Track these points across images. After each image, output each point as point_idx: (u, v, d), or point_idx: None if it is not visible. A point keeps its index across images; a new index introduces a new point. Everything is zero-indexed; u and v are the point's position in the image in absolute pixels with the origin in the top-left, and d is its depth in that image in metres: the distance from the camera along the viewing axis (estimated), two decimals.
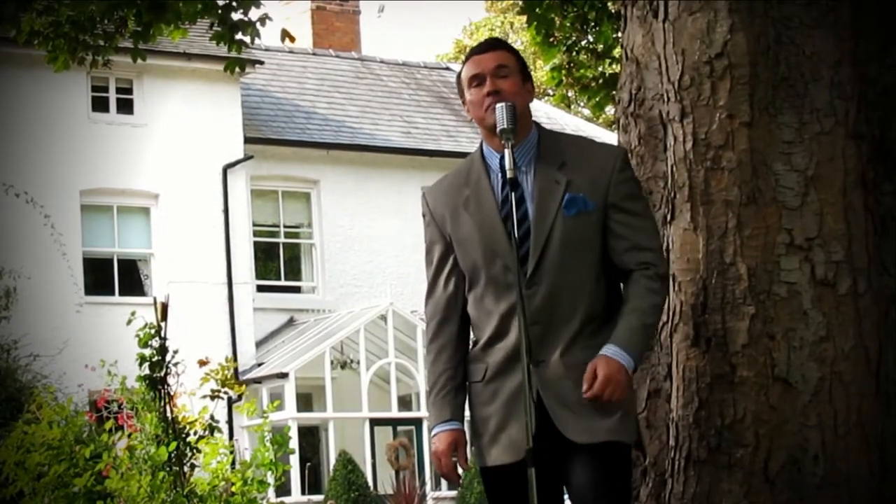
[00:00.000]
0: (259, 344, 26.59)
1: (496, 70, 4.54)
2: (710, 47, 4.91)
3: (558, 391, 4.43)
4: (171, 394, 9.30)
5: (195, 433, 9.28)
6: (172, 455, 9.09)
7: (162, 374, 9.29)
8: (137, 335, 9.34)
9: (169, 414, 9.22)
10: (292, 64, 30.51)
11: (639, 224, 4.55)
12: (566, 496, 4.57)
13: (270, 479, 9.46)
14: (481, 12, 55.11)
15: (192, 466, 9.23)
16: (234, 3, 9.08)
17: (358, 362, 25.95)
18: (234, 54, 9.41)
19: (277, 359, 25.80)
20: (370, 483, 24.53)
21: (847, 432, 4.74)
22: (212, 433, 9.32)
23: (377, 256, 28.18)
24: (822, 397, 4.75)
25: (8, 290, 22.97)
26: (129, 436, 9.52)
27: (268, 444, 9.36)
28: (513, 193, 4.44)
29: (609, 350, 4.41)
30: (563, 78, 11.83)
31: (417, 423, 26.16)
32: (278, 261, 28.10)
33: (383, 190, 28.32)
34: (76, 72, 12.15)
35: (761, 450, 4.74)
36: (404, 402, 26.56)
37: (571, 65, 11.67)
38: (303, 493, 24.33)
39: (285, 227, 28.20)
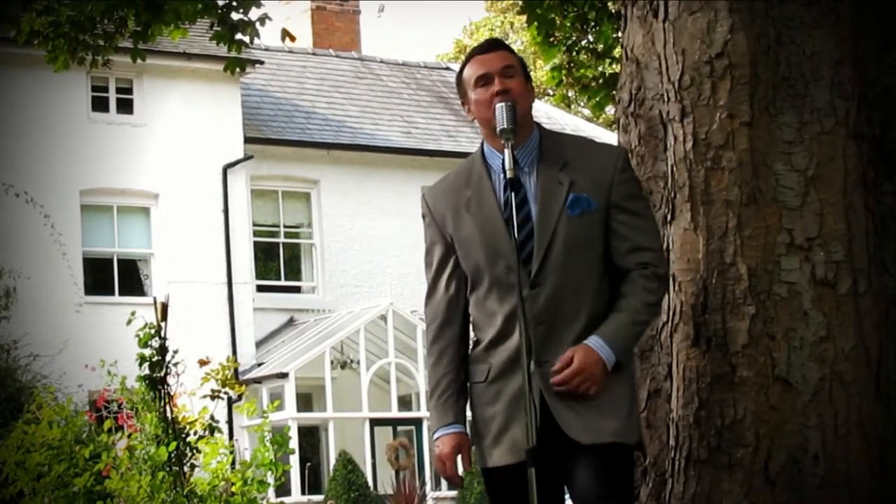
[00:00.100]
0: (259, 344, 26.59)
1: (503, 70, 4.54)
2: (711, 47, 4.91)
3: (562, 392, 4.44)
4: (171, 394, 9.29)
5: (195, 433, 9.28)
6: (172, 455, 9.09)
7: (162, 374, 9.29)
8: (137, 335, 9.34)
9: (169, 414, 9.22)
10: (292, 64, 30.52)
11: (640, 224, 4.55)
12: (567, 496, 4.57)
13: (270, 479, 9.46)
14: (481, 12, 55.12)
15: (192, 466, 9.23)
16: (234, 3, 9.08)
17: (358, 362, 25.95)
18: (233, 54, 9.41)
19: (277, 359, 25.80)
20: (370, 483, 24.53)
21: (847, 432, 4.74)
22: (212, 433, 9.32)
23: (377, 256, 28.18)
24: (822, 397, 4.75)
25: (8, 290, 22.98)
26: (129, 436, 9.52)
27: (268, 444, 9.36)
28: (513, 193, 4.44)
29: (591, 341, 4.42)
30: (564, 78, 11.83)
31: (417, 423, 26.16)
32: (278, 261, 28.10)
33: (383, 190, 28.32)
34: (76, 72, 12.16)
35: (762, 450, 4.74)
36: (404, 402, 26.56)
37: (571, 65, 11.68)
38: (303, 493, 24.33)
39: (285, 227, 28.20)
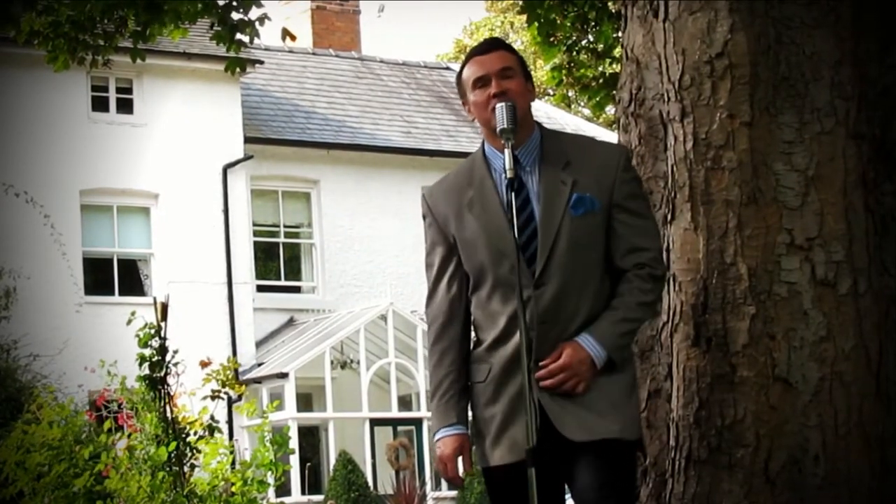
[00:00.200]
0: (259, 344, 26.59)
1: (501, 71, 4.54)
2: (711, 47, 4.91)
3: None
4: (171, 394, 9.29)
5: (195, 433, 9.27)
6: (172, 455, 9.08)
7: (162, 374, 9.29)
8: (137, 335, 9.34)
9: (169, 414, 9.22)
10: (292, 64, 30.51)
11: (640, 224, 4.55)
12: (568, 496, 4.56)
13: (270, 479, 9.45)
14: (481, 12, 55.14)
15: (192, 466, 9.22)
16: (234, 3, 9.08)
17: (358, 362, 25.95)
18: (233, 54, 9.40)
19: (277, 359, 25.79)
20: (370, 483, 24.52)
21: (847, 432, 4.74)
22: (212, 433, 9.31)
23: (377, 256, 28.18)
24: (822, 397, 4.75)
25: (8, 290, 22.98)
26: (129, 436, 9.51)
27: (268, 444, 9.35)
28: (513, 193, 4.43)
29: (581, 338, 4.43)
30: (564, 78, 11.83)
31: (417, 423, 26.16)
32: (278, 261, 28.10)
33: (383, 190, 28.32)
34: (76, 72, 12.16)
35: (762, 450, 4.74)
36: (404, 402, 26.55)
37: (572, 64, 11.68)
38: (303, 493, 24.32)
39: (285, 227, 28.20)
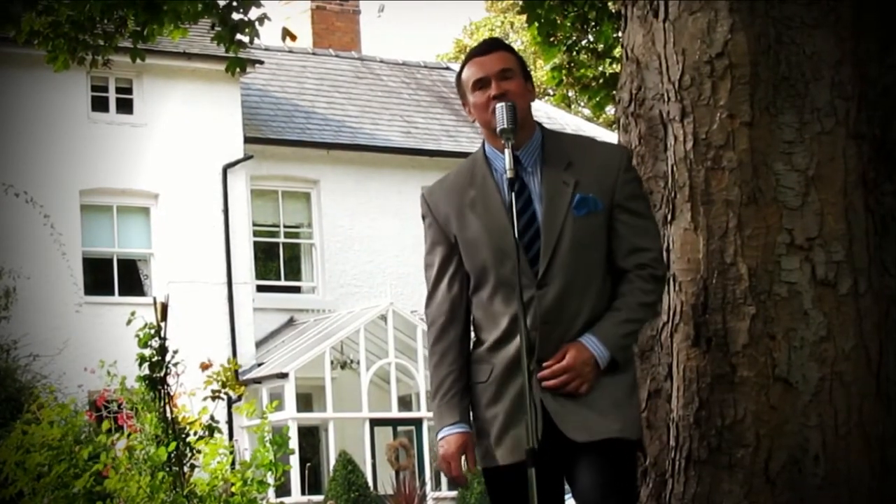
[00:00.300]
0: (259, 344, 26.59)
1: (501, 73, 4.54)
2: (711, 47, 4.91)
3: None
4: (171, 394, 9.29)
5: (195, 433, 9.27)
6: (172, 455, 9.08)
7: (162, 374, 9.29)
8: (137, 335, 9.34)
9: (169, 414, 9.22)
10: (292, 64, 30.51)
11: (641, 224, 4.56)
12: (568, 496, 4.56)
13: (270, 479, 9.45)
14: (481, 12, 55.14)
15: (192, 467, 9.22)
16: (234, 3, 9.08)
17: (358, 362, 25.95)
18: (233, 54, 9.40)
19: (277, 359, 25.79)
20: (370, 483, 24.52)
21: (848, 432, 4.74)
22: (211, 434, 9.31)
23: (377, 256, 28.17)
24: (822, 397, 4.75)
25: (8, 290, 22.99)
26: (129, 436, 9.51)
27: (267, 444, 9.35)
28: (513, 193, 4.43)
29: (585, 339, 4.44)
30: (564, 78, 11.84)
31: (417, 423, 26.16)
32: (278, 261, 28.10)
33: (383, 190, 28.31)
34: (76, 72, 12.16)
35: (762, 450, 4.74)
36: (404, 403, 26.55)
37: (572, 64, 11.68)
38: (303, 493, 24.32)
39: (285, 227, 28.20)
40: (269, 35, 9.80)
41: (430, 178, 21.94)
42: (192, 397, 9.36)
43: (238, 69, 9.92)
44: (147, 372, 9.32)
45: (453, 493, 24.90)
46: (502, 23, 43.40)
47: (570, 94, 25.62)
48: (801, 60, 4.87)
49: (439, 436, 4.57)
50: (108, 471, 9.32)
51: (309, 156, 27.89)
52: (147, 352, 9.34)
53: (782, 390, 4.75)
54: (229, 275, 26.31)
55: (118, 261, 25.87)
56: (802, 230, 4.81)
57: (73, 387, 18.62)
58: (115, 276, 25.70)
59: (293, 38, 9.99)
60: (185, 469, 9.15)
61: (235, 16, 9.12)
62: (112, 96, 25.87)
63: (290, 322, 27.43)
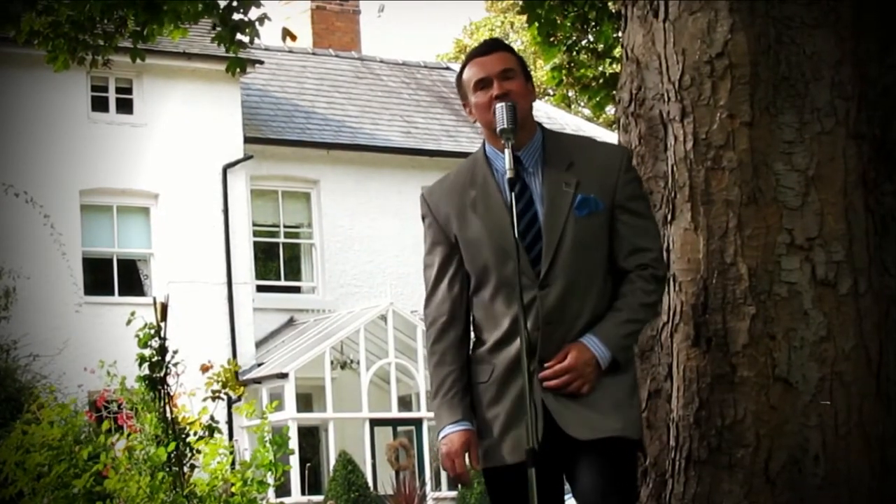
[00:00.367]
0: (259, 344, 26.58)
1: (502, 73, 4.54)
2: (711, 47, 4.91)
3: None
4: (171, 394, 9.29)
5: (195, 434, 9.27)
6: (172, 455, 9.08)
7: (161, 374, 9.29)
8: (137, 335, 9.34)
9: (168, 414, 9.21)
10: (292, 64, 30.51)
11: (641, 225, 4.57)
12: (568, 496, 4.56)
13: (270, 479, 9.45)
14: (481, 12, 55.14)
15: (192, 467, 9.22)
16: (235, 4, 9.08)
17: (358, 362, 25.95)
18: (233, 54, 9.40)
19: (277, 359, 25.79)
20: (370, 483, 24.52)
21: (848, 432, 4.74)
22: (211, 434, 9.31)
23: (377, 256, 28.17)
24: (822, 397, 4.74)
25: (7, 290, 22.98)
26: (129, 436, 9.51)
27: (267, 444, 9.35)
28: (513, 193, 4.43)
29: (586, 339, 4.45)
30: (564, 78, 11.84)
31: (417, 423, 26.15)
32: (278, 261, 28.10)
33: (383, 190, 28.31)
34: (76, 72, 12.16)
35: (762, 450, 4.74)
36: (404, 403, 26.55)
37: (572, 64, 11.68)
38: (303, 493, 24.32)
39: (285, 227, 28.20)
40: (269, 35, 9.80)
41: (430, 178, 21.95)
42: (192, 397, 9.36)
43: (238, 69, 9.91)
44: (147, 372, 9.31)
45: (453, 494, 24.90)
46: (502, 23, 43.40)
47: (570, 94, 25.62)
48: (801, 60, 4.87)
49: (441, 434, 4.56)
50: (107, 471, 9.31)
51: (309, 156, 27.89)
52: (147, 352, 9.33)
53: (782, 390, 4.75)
54: (229, 275, 26.31)
55: (118, 261, 25.87)
56: (802, 230, 4.81)
57: (73, 387, 18.61)
58: (115, 276, 25.70)
59: (293, 38, 9.99)
60: (185, 469, 9.15)
61: (236, 16, 9.12)
62: (112, 96, 25.87)
63: (290, 322, 27.43)
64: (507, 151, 4.45)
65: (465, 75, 4.61)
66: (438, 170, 22.64)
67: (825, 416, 4.73)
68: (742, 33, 4.87)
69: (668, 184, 5.07)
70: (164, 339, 9.37)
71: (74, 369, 19.60)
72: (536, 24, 10.71)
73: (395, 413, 26.02)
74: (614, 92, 7.88)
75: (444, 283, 4.61)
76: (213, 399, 9.53)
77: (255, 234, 27.44)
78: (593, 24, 11.08)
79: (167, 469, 9.06)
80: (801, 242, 4.81)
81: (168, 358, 9.33)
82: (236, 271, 26.42)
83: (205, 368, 9.54)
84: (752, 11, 4.88)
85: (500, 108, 4.47)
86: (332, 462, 24.65)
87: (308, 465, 23.24)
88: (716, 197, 4.88)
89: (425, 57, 44.89)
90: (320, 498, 23.91)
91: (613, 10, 10.61)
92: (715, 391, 4.81)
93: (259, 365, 25.99)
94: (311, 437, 26.15)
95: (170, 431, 9.15)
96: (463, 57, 4.74)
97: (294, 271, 28.31)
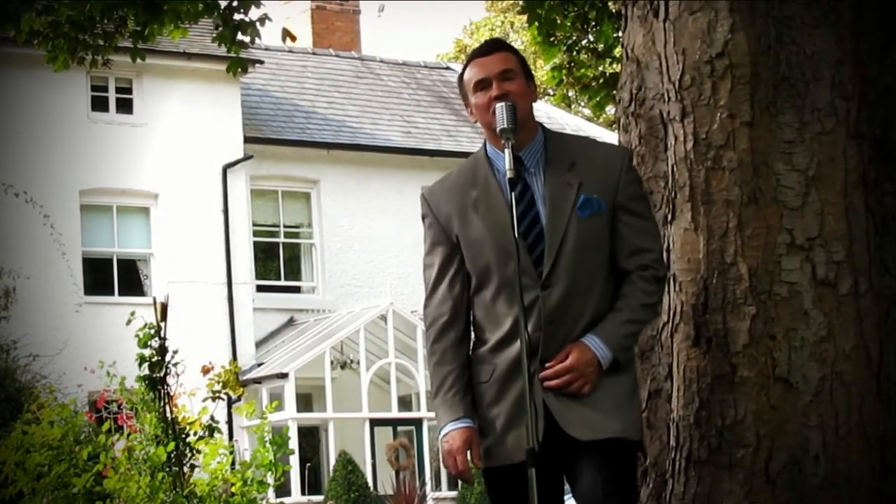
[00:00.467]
0: (259, 344, 26.59)
1: (502, 73, 4.54)
2: (711, 47, 4.91)
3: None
4: (171, 394, 9.28)
5: (195, 434, 9.26)
6: (172, 455, 9.08)
7: (161, 374, 9.28)
8: (137, 335, 9.33)
9: (168, 414, 9.21)
10: (292, 63, 30.51)
11: (642, 225, 4.57)
12: (568, 496, 4.56)
13: (270, 479, 9.44)
14: (481, 12, 55.14)
15: (192, 467, 9.21)
16: (235, 4, 9.08)
17: (358, 362, 25.95)
18: (234, 54, 9.40)
19: (277, 359, 25.79)
20: (370, 483, 24.52)
21: (848, 433, 4.74)
22: (211, 434, 9.30)
23: (377, 256, 28.18)
24: (822, 397, 4.75)
25: (7, 290, 22.99)
26: (128, 436, 9.50)
27: (267, 444, 9.34)
28: (512, 193, 4.43)
29: (587, 339, 4.45)
30: (564, 77, 11.84)
31: (417, 423, 26.16)
32: (278, 261, 28.10)
33: (383, 190, 28.31)
34: (76, 71, 12.16)
35: (762, 450, 4.74)
36: (404, 403, 26.55)
37: (572, 64, 11.69)
38: (303, 493, 24.32)
39: (285, 227, 28.20)
40: (269, 35, 9.80)
41: (430, 178, 21.95)
42: (191, 397, 9.35)
43: (239, 69, 9.91)
44: (147, 372, 9.31)
45: (453, 493, 24.90)
46: (502, 23, 43.40)
47: (570, 94, 25.63)
48: (802, 60, 4.87)
49: (443, 432, 4.56)
50: (107, 471, 9.30)
51: (309, 156, 27.89)
52: (147, 352, 9.33)
53: (782, 390, 4.75)
54: (229, 275, 26.31)
55: (118, 261, 25.87)
56: (803, 230, 4.81)
57: (72, 387, 18.60)
58: (114, 276, 25.70)
59: (293, 38, 9.99)
60: (185, 469, 9.14)
61: (236, 16, 9.12)
62: (112, 96, 25.88)
63: (290, 322, 27.43)
64: (507, 151, 4.45)
65: (466, 76, 4.62)
66: (438, 170, 22.64)
67: (825, 416, 4.73)
68: (742, 33, 4.87)
69: (668, 184, 5.06)
70: (164, 339, 9.36)
71: (74, 369, 19.60)
72: (536, 23, 10.72)
73: (395, 413, 26.02)
74: (614, 92, 7.88)
75: (444, 283, 4.60)
76: (213, 399, 9.52)
77: (255, 234, 27.44)
78: (593, 23, 11.09)
79: (167, 469, 9.05)
80: (801, 242, 4.80)
81: (168, 358, 9.32)
82: (236, 271, 26.42)
83: (206, 370, 9.54)
84: (753, 11, 4.88)
85: (500, 108, 4.47)
86: (332, 462, 24.66)
87: (308, 465, 23.24)
88: (716, 197, 4.88)
89: (425, 57, 44.92)
90: (320, 498, 23.92)
91: (613, 10, 10.62)
92: (715, 391, 4.81)
93: (259, 365, 25.99)
94: (311, 437, 26.15)
95: (170, 431, 9.14)
96: (463, 57, 4.75)
97: (294, 271, 28.32)
